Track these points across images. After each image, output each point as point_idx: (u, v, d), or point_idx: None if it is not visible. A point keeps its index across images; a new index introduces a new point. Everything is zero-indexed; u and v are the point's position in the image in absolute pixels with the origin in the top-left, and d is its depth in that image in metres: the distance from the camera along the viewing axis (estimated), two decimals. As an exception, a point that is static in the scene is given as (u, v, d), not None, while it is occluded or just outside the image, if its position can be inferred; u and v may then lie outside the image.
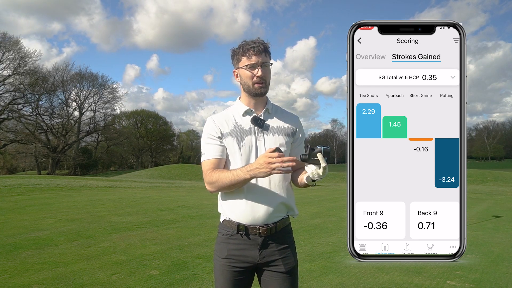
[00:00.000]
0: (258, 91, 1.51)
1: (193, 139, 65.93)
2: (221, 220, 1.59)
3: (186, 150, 65.86)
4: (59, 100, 42.63)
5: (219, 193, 1.59)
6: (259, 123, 1.53)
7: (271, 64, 1.55)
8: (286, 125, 1.59)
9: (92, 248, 4.51)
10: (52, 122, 41.30)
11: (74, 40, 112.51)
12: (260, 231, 1.48)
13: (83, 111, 44.54)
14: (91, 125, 45.15)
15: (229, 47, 1.58)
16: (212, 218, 6.89)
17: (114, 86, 46.55)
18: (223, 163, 1.55)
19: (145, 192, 13.11)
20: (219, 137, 1.55)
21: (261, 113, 1.57)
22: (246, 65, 1.49)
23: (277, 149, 1.34)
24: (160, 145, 57.36)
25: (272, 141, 1.54)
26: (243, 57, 1.51)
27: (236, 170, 1.44)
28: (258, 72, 1.48)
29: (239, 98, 1.62)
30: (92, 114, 45.21)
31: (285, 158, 1.30)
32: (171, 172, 33.83)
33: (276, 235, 1.51)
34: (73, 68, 45.77)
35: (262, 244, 1.49)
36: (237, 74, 1.57)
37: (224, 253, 1.52)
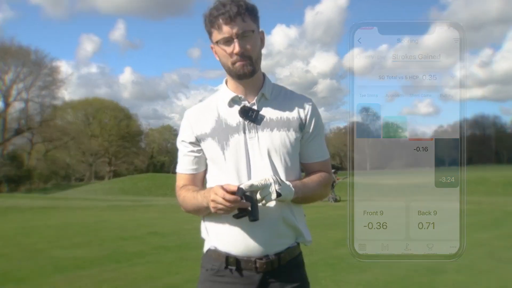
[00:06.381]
0: (241, 72, 1.50)
1: (168, 138, 64.51)
2: (205, 249, 1.61)
3: (159, 154, 65.56)
4: (-25, 85, 42.86)
5: None
6: (250, 116, 1.52)
7: (255, 30, 1.50)
8: (290, 114, 1.55)
9: (25, 295, 4.58)
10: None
11: (6, 0, 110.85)
12: (257, 266, 1.47)
13: (10, 100, 44.73)
14: (22, 121, 45.25)
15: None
16: (196, 249, 6.94)
17: (54, 64, 46.85)
18: (199, 177, 1.63)
19: (101, 214, 13.29)
20: (191, 143, 1.59)
21: (254, 101, 1.56)
22: (218, 40, 1.50)
23: (240, 190, 1.36)
24: (122, 147, 56.95)
25: (269, 139, 1.51)
26: (213, 30, 1.52)
27: (198, 193, 1.51)
28: (235, 47, 1.46)
29: (225, 82, 1.62)
30: (24, 105, 45.37)
31: (230, 199, 1.33)
32: (137, 185, 34.05)
33: (280, 270, 1.49)
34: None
35: (260, 283, 1.48)
36: (215, 51, 1.57)
37: None
